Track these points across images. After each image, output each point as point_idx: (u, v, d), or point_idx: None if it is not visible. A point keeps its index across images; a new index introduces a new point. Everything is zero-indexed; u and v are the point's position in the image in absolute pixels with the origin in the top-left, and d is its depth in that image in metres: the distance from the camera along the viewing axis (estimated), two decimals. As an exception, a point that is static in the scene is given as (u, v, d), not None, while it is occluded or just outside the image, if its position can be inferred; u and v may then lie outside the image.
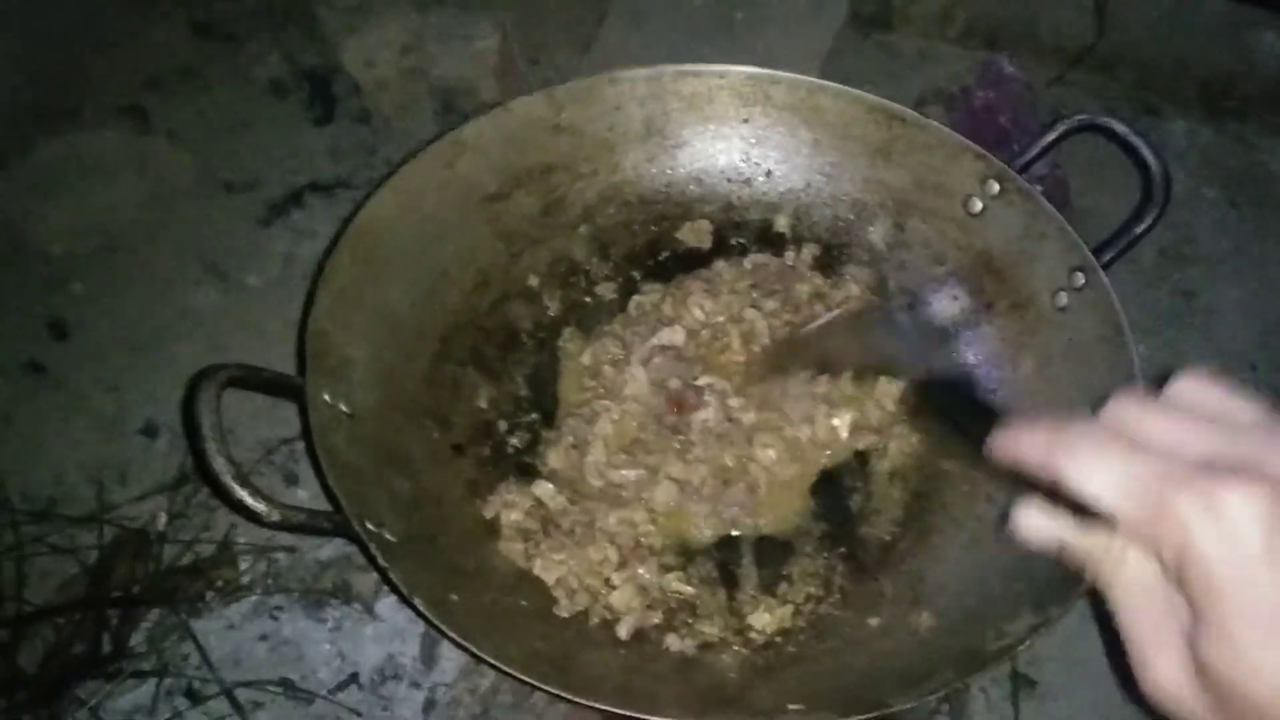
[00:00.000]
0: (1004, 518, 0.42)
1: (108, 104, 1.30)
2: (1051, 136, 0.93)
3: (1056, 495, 0.38)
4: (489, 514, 0.82)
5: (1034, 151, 0.94)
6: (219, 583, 0.97)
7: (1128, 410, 0.37)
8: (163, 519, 1.00)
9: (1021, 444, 0.39)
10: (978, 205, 0.94)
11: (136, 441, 1.07)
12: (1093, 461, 0.36)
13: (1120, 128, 0.90)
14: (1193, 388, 0.38)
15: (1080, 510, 0.38)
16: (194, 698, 0.90)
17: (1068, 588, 0.68)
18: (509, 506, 0.82)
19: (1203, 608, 0.34)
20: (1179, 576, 0.34)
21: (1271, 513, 0.32)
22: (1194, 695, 0.35)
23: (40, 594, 0.96)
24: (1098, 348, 0.84)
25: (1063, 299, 0.87)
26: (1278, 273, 1.25)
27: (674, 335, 0.92)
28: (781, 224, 1.02)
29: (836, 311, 0.94)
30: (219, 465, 0.65)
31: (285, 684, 0.91)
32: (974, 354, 0.94)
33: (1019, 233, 0.91)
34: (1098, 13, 1.35)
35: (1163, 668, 0.36)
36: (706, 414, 0.87)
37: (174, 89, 1.33)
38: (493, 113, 0.93)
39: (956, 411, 0.53)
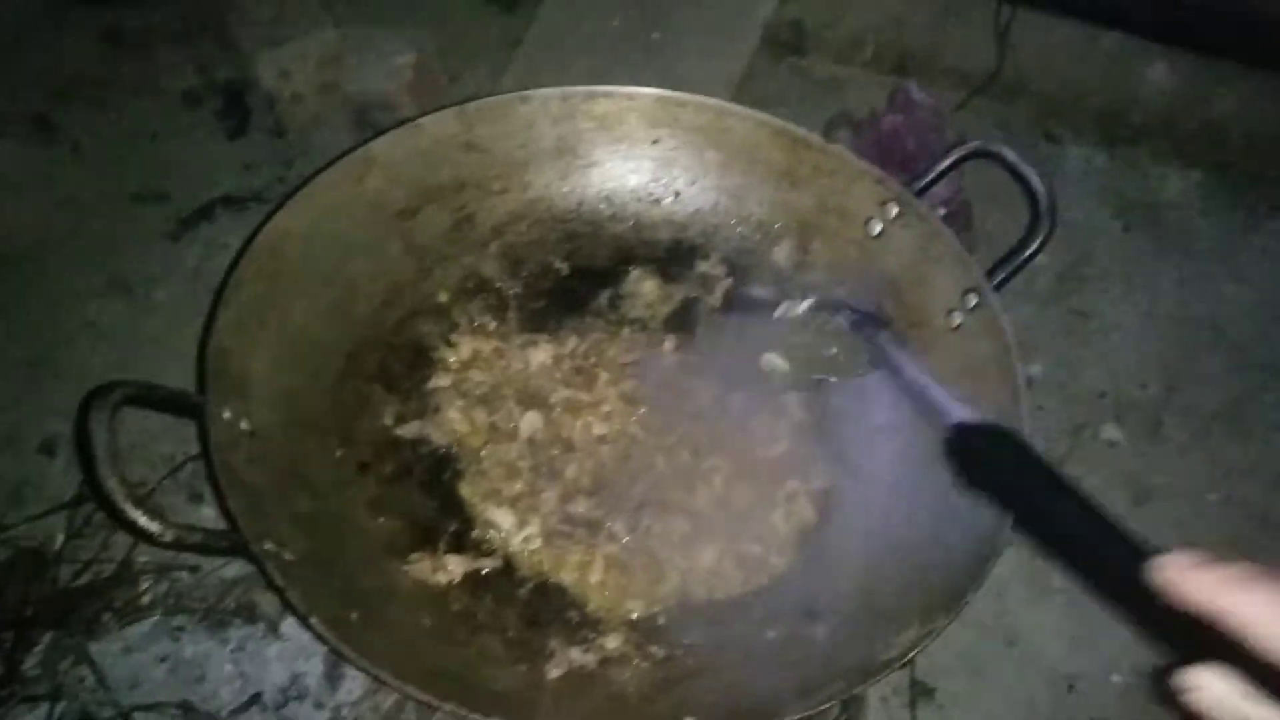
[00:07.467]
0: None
1: (13, 113, 1.27)
2: (947, 162, 0.96)
3: (1213, 644, 0.34)
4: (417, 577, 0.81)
5: (931, 176, 0.97)
6: (118, 603, 0.95)
7: None
8: (59, 538, 0.98)
9: (1184, 580, 0.35)
10: (878, 228, 0.96)
11: (34, 460, 1.04)
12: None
13: (1010, 155, 0.94)
14: None
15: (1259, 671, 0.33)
16: (88, 721, 0.88)
17: (953, 599, 0.71)
18: (438, 571, 0.81)
19: None
20: None
21: None
22: None
23: (-72, 617, 0.93)
24: (989, 366, 0.87)
25: (956, 319, 0.90)
26: (1168, 293, 1.31)
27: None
28: (688, 244, 1.04)
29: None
30: (111, 486, 0.65)
31: (185, 706, 0.89)
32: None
33: (916, 254, 0.94)
34: (999, 41, 1.40)
35: None
36: None
37: (83, 99, 1.31)
38: (404, 128, 0.93)
39: (1003, 474, 0.48)
